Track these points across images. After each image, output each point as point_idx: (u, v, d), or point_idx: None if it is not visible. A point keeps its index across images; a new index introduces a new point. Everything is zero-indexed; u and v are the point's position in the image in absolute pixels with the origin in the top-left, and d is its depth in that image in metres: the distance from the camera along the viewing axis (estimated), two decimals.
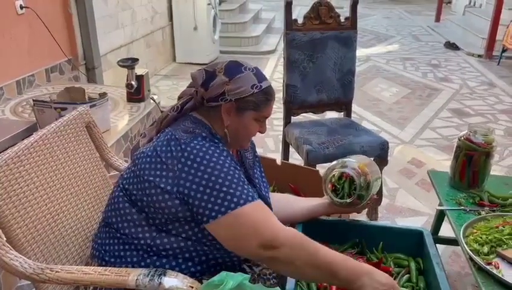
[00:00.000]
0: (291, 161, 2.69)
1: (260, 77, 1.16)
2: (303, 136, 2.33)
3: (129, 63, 2.71)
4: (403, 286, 1.21)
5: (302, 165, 2.28)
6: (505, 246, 1.37)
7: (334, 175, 1.32)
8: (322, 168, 1.87)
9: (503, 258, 1.34)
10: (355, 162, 1.32)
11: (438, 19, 8.92)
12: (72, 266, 1.09)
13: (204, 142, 1.08)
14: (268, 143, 3.48)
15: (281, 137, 2.66)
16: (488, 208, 1.62)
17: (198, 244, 1.11)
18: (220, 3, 6.41)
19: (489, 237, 1.40)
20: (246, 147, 1.27)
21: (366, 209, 2.37)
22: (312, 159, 2.20)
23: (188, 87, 1.23)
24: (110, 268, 1.05)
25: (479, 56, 6.21)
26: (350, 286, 1.05)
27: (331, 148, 2.23)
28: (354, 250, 1.38)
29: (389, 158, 2.39)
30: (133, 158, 1.15)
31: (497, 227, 1.45)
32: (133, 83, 2.73)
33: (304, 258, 1.04)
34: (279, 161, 2.02)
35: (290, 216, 1.37)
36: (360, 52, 6.41)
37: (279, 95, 2.57)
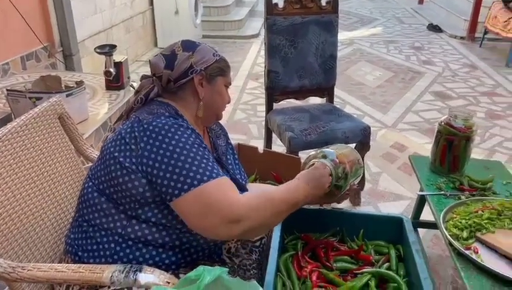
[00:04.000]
0: (274, 147, 2.68)
1: (213, 48, 1.23)
2: (285, 123, 2.31)
3: (107, 49, 2.63)
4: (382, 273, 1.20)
5: (285, 152, 2.27)
6: (484, 231, 1.38)
7: (313, 164, 1.30)
8: (304, 155, 1.86)
9: (483, 243, 1.35)
10: (333, 152, 1.30)
11: (421, 1, 8.92)
12: (45, 264, 1.05)
13: (167, 121, 1.06)
14: (252, 129, 3.45)
15: (264, 123, 2.64)
16: (468, 193, 1.64)
17: (171, 228, 1.09)
18: None
19: (469, 222, 1.41)
20: (220, 118, 1.29)
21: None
22: (294, 146, 2.18)
23: (142, 79, 1.23)
24: (84, 265, 1.02)
25: (462, 38, 6.23)
26: (305, 200, 1.13)
27: (313, 135, 2.21)
28: (336, 238, 1.37)
29: (372, 142, 2.39)
30: (101, 150, 1.13)
31: (476, 212, 1.45)
32: (111, 70, 2.66)
33: (268, 215, 1.06)
34: (260, 149, 1.99)
35: None
36: (344, 35, 6.42)
37: (261, 81, 2.54)
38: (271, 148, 2.60)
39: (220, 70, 1.20)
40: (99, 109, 2.51)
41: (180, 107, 1.16)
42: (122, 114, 1.21)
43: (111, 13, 4.45)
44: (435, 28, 6.76)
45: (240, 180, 1.28)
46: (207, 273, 0.93)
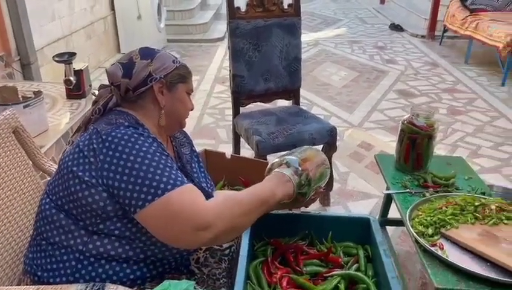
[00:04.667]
0: (243, 151, 2.66)
1: (173, 55, 1.21)
2: (252, 126, 2.30)
3: (66, 57, 2.55)
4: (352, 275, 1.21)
5: (253, 156, 2.26)
6: (448, 227, 1.40)
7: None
8: (273, 158, 1.85)
9: (447, 238, 1.37)
10: (296, 160, 1.28)
11: (382, 1, 9.12)
12: (2, 287, 1.00)
13: (127, 131, 1.03)
14: (220, 134, 3.43)
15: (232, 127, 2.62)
16: (432, 190, 1.67)
17: (134, 242, 1.05)
18: None
19: (434, 219, 1.43)
20: (183, 126, 1.26)
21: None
22: (262, 150, 2.17)
23: (99, 89, 1.19)
24: (43, 286, 0.98)
25: (422, 37, 6.41)
26: (275, 200, 1.12)
27: (281, 138, 2.21)
28: (305, 242, 1.37)
29: (339, 142, 2.41)
30: (59, 164, 1.08)
31: (440, 208, 1.48)
32: (71, 78, 2.58)
33: (237, 217, 1.04)
34: (228, 155, 1.98)
35: None
36: (308, 36, 6.48)
37: (228, 84, 2.52)
38: (240, 153, 2.58)
39: (180, 77, 1.17)
40: (60, 119, 2.43)
41: (140, 116, 1.13)
42: (80, 126, 1.17)
43: (70, 19, 4.32)
44: (396, 28, 6.93)
45: (206, 189, 1.26)
46: (173, 287, 0.90)
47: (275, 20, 2.38)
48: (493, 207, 1.46)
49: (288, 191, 1.15)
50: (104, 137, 1.01)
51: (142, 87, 1.12)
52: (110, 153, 1.00)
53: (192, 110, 1.25)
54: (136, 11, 5.30)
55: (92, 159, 1.01)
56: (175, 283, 0.92)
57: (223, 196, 1.12)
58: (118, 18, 5.42)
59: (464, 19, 5.23)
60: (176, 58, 1.19)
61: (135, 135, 1.02)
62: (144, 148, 1.01)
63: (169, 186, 0.98)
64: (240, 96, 2.45)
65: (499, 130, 3.46)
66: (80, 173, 1.01)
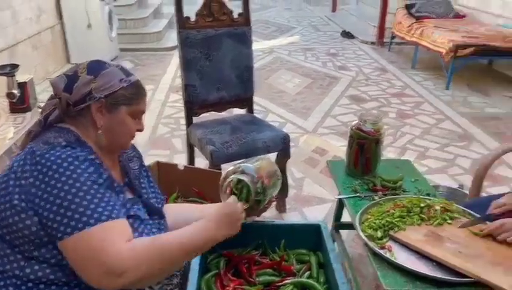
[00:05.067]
0: (198, 161, 2.64)
1: (126, 72, 1.12)
2: (205, 136, 2.29)
3: (8, 70, 2.44)
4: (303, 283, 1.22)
5: (208, 166, 2.25)
6: (396, 229, 1.44)
7: (232, 180, 1.29)
8: (227, 167, 1.85)
9: (396, 240, 1.41)
10: (251, 167, 1.30)
11: (334, 9, 9.38)
12: None
13: (62, 152, 0.98)
14: (175, 144, 3.38)
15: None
16: (380, 193, 1.72)
17: (61, 270, 1.00)
18: None
19: (382, 222, 1.47)
20: (127, 147, 1.20)
21: (274, 204, 2.42)
22: (216, 159, 2.16)
23: (48, 99, 1.13)
24: None
25: (372, 43, 6.64)
26: (215, 242, 1.08)
27: (235, 147, 2.21)
28: (258, 252, 1.37)
29: (294, 149, 2.44)
30: None
31: (388, 211, 1.52)
32: (14, 91, 2.46)
33: (157, 266, 0.98)
34: (181, 166, 1.95)
35: None
36: (263, 44, 6.55)
37: (181, 93, 2.49)
38: (194, 163, 2.56)
39: (125, 99, 1.08)
40: (3, 134, 2.31)
41: (82, 133, 1.08)
42: (22, 141, 1.11)
43: (15, 29, 4.14)
44: (347, 35, 7.14)
45: (156, 205, 1.23)
46: None
47: (225, 29, 2.39)
48: (438, 208, 1.52)
49: (236, 224, 1.12)
50: (37, 159, 0.97)
51: (82, 104, 1.06)
52: (40, 176, 0.95)
53: (141, 131, 1.17)
54: (85, 20, 5.15)
55: (23, 182, 0.96)
56: None
57: (150, 241, 1.02)
58: (67, 27, 5.26)
59: (409, 26, 5.47)
60: (127, 76, 1.10)
61: (69, 159, 0.97)
62: (75, 175, 0.96)
63: (91, 221, 0.93)
64: (193, 105, 2.43)
65: (445, 131, 3.63)
66: (11, 197, 0.96)
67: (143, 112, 1.16)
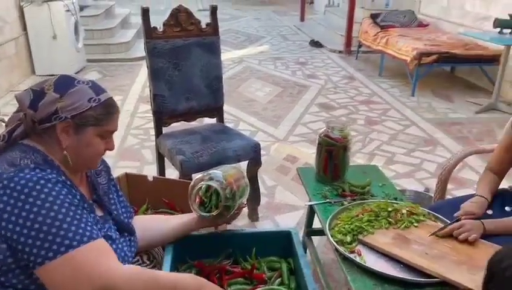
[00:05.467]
0: (169, 172, 2.61)
1: (97, 89, 1.07)
2: (175, 146, 2.27)
3: None
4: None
5: (178, 176, 2.23)
6: (365, 233, 1.47)
7: (200, 188, 1.29)
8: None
9: (365, 244, 1.44)
10: (220, 173, 1.31)
11: (302, 19, 9.53)
12: None
13: (32, 175, 0.95)
14: (145, 155, 3.34)
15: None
16: (349, 198, 1.75)
17: None
18: (81, 9, 5.99)
19: (351, 226, 1.50)
20: (94, 168, 1.16)
21: (246, 213, 2.42)
22: (186, 169, 2.15)
23: (15, 112, 1.08)
24: None
25: (340, 52, 6.77)
26: None
27: (205, 156, 2.20)
28: (229, 261, 1.36)
29: (265, 157, 2.45)
30: None
31: (357, 215, 1.55)
32: None
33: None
34: (150, 177, 1.93)
35: (160, 238, 1.31)
36: (233, 54, 6.58)
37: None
38: (165, 174, 2.53)
39: (94, 119, 1.04)
40: None
41: (48, 152, 1.04)
42: None
43: None
44: (316, 44, 7.26)
45: (126, 220, 1.21)
46: None
47: (193, 39, 2.39)
48: (404, 211, 1.56)
49: None
50: (5, 183, 0.93)
51: (47, 123, 1.02)
52: (12, 201, 0.91)
53: (111, 150, 1.14)
54: (50, 31, 5.04)
55: None
56: None
57: (138, 269, 1.05)
58: (31, 38, 5.13)
59: (375, 34, 5.62)
60: (97, 96, 1.05)
61: (41, 182, 0.94)
62: (50, 198, 0.93)
63: (74, 243, 0.92)
64: (162, 116, 2.41)
65: (411, 137, 3.73)
66: None
67: (113, 131, 1.12)
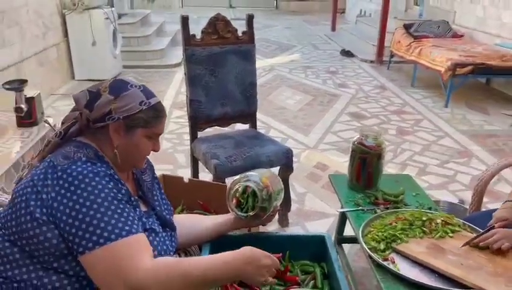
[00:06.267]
0: (202, 175, 2.67)
1: (148, 93, 1.13)
2: (210, 150, 2.33)
3: (16, 85, 2.50)
4: None
5: (212, 180, 2.28)
6: (399, 241, 1.47)
7: (237, 189, 1.33)
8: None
9: (398, 252, 1.44)
10: (257, 175, 1.34)
11: (333, 28, 9.52)
12: None
13: (84, 167, 1.01)
14: (178, 159, 3.42)
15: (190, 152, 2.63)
16: (382, 206, 1.75)
17: (78, 281, 1.03)
18: (119, 17, 6.19)
19: (385, 234, 1.50)
20: (140, 167, 1.22)
21: (276, 218, 2.45)
22: (220, 173, 2.20)
23: (71, 111, 1.16)
24: None
25: (371, 62, 6.73)
26: (238, 279, 1.08)
27: (239, 161, 2.25)
28: None
29: (296, 164, 2.48)
30: (12, 194, 1.05)
31: (391, 224, 1.55)
32: (22, 106, 2.52)
33: (178, 286, 0.99)
34: (186, 179, 1.99)
35: (195, 237, 1.35)
36: (264, 62, 6.65)
37: (185, 109, 2.54)
38: (198, 177, 2.59)
39: (143, 121, 1.10)
40: (9, 148, 2.36)
41: (100, 149, 1.11)
42: (41, 149, 1.14)
43: (21, 46, 4.23)
44: (347, 53, 7.24)
45: (168, 217, 1.26)
46: None
47: (230, 47, 2.45)
48: (439, 221, 1.55)
49: (258, 276, 1.09)
50: (59, 173, 0.99)
51: (101, 123, 1.09)
52: (63, 191, 0.98)
53: (156, 151, 1.20)
54: (90, 38, 5.25)
55: (44, 196, 0.98)
56: None
57: (174, 263, 1.04)
58: (72, 44, 5.35)
59: (408, 45, 5.57)
60: (147, 99, 1.11)
61: (90, 175, 1.00)
62: (96, 191, 0.98)
63: (113, 236, 0.96)
64: (198, 120, 2.48)
65: (444, 148, 3.67)
66: (32, 209, 0.98)
67: (160, 134, 1.17)
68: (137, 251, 0.98)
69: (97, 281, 0.98)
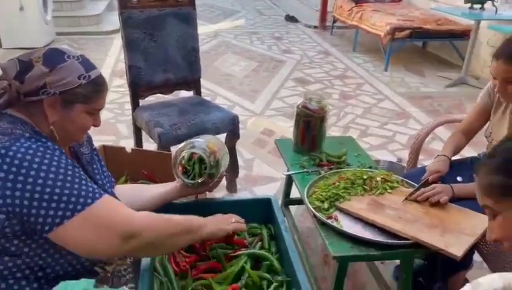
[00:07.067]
0: (146, 145, 2.60)
1: (88, 65, 1.04)
2: (153, 119, 2.26)
3: None
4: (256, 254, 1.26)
5: (156, 149, 2.22)
6: (342, 200, 1.52)
7: (183, 157, 1.30)
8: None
9: (341, 210, 1.49)
10: (203, 142, 1.32)
11: None
12: None
13: (30, 143, 0.93)
14: (121, 129, 3.30)
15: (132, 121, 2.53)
16: (326, 168, 1.79)
17: (32, 260, 0.99)
18: None
19: (328, 194, 1.54)
20: (80, 141, 1.16)
21: (224, 185, 2.45)
22: (165, 141, 2.14)
23: None
24: None
25: (315, 27, 6.77)
26: (209, 230, 1.16)
27: (183, 129, 2.20)
28: None
29: (243, 131, 2.47)
30: None
31: (334, 183, 1.60)
32: None
33: (164, 234, 1.04)
34: (129, 149, 1.92)
35: (141, 207, 1.30)
36: (208, 28, 6.49)
37: (126, 77, 2.43)
38: (142, 147, 2.51)
39: (82, 97, 1.02)
40: None
41: (35, 124, 1.01)
42: None
43: None
44: (291, 19, 7.23)
45: (109, 190, 1.21)
46: (70, 288, 0.87)
47: (169, 9, 2.34)
48: (379, 179, 1.62)
49: (220, 232, 1.20)
50: (3, 152, 0.90)
51: (34, 97, 0.98)
52: (14, 170, 0.90)
53: (97, 127, 1.13)
54: (17, 2, 4.83)
55: None
56: (72, 283, 0.89)
57: (151, 213, 1.09)
58: None
59: (350, 10, 5.64)
60: (86, 73, 1.02)
61: (41, 149, 0.93)
62: (54, 163, 0.93)
63: (89, 200, 0.94)
64: (138, 88, 2.38)
65: (384, 110, 3.82)
66: None
67: (101, 109, 1.10)
68: (116, 207, 1.00)
69: (82, 246, 0.96)
